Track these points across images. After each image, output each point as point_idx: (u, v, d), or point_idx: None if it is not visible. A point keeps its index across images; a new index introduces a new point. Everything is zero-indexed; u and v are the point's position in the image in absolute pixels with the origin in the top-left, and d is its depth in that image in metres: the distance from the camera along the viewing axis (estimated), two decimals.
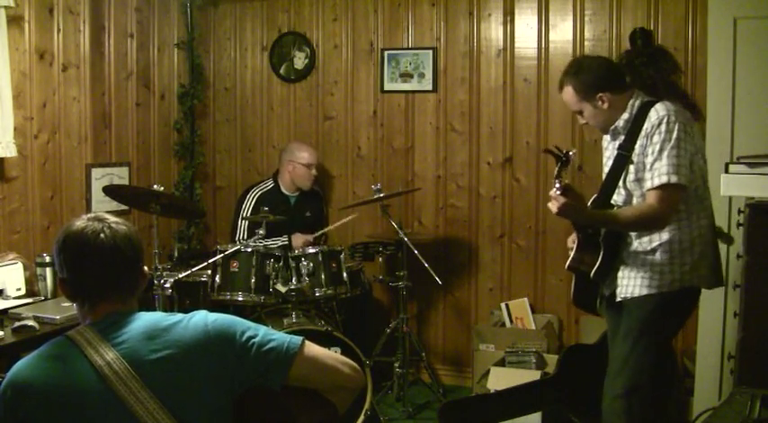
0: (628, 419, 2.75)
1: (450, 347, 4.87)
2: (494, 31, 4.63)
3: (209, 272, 3.99)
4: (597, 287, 2.93)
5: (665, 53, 3.02)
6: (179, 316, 1.68)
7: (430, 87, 4.77)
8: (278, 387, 1.66)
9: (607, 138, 2.95)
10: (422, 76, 4.79)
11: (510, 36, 4.59)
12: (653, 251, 2.74)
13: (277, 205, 4.42)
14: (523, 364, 4.14)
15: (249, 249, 3.92)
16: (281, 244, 4.43)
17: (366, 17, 4.89)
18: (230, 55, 5.25)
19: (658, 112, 2.69)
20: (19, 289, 3.62)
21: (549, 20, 4.49)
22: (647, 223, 2.71)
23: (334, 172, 5.05)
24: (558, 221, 3.73)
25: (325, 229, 4.62)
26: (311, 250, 4.08)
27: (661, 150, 2.64)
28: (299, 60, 5.07)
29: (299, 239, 4.51)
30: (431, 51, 4.75)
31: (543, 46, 4.50)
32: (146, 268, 1.75)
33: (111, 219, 1.70)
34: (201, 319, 1.67)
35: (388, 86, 4.87)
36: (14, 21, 3.91)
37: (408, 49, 4.81)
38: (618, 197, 2.84)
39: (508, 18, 4.59)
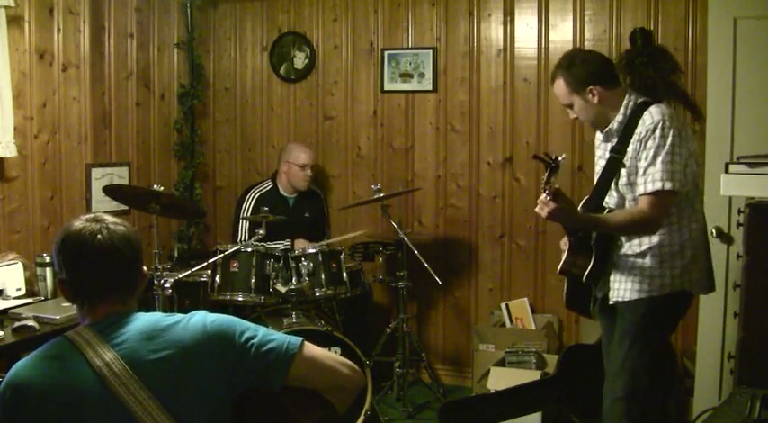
0: (628, 422, 2.75)
1: (450, 347, 4.86)
2: (494, 31, 4.63)
3: (209, 272, 3.99)
4: (590, 290, 2.93)
5: (665, 53, 3.03)
6: (178, 316, 1.68)
7: (430, 87, 4.77)
8: (277, 387, 1.65)
9: (599, 136, 2.93)
10: (422, 76, 4.79)
11: (510, 36, 4.59)
12: (643, 254, 2.73)
13: (276, 206, 4.42)
14: (523, 364, 4.14)
15: (249, 249, 3.92)
16: (283, 248, 4.43)
17: (366, 17, 4.89)
18: (230, 55, 5.25)
19: (653, 116, 2.67)
20: (19, 289, 3.62)
21: (549, 20, 4.49)
22: (639, 228, 2.71)
23: (334, 172, 5.05)
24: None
25: (329, 241, 4.59)
26: (311, 250, 4.08)
27: (655, 156, 2.63)
28: (299, 60, 5.07)
29: (301, 245, 4.49)
30: (431, 51, 4.75)
31: (543, 46, 4.50)
32: (145, 268, 1.75)
33: (110, 219, 1.70)
34: (201, 319, 1.67)
35: (388, 86, 4.87)
36: (14, 21, 3.91)
37: (408, 49, 4.81)
38: (610, 200, 2.83)
39: (508, 18, 4.58)
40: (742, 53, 3.45)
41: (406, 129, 4.87)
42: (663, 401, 2.82)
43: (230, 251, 3.91)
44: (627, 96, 2.79)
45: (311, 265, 3.99)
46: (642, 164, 2.66)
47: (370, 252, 4.55)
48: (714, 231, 3.47)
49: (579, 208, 2.82)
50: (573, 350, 3.73)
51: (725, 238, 3.47)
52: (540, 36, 4.52)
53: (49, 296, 3.63)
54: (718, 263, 3.42)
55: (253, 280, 3.90)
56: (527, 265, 4.65)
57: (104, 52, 4.59)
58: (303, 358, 1.67)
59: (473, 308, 4.80)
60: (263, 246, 4.00)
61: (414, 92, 4.82)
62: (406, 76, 4.83)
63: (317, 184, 4.96)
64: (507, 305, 4.57)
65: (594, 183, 2.91)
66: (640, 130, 2.68)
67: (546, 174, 2.54)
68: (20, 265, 3.66)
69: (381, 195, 4.22)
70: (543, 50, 4.50)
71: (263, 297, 3.92)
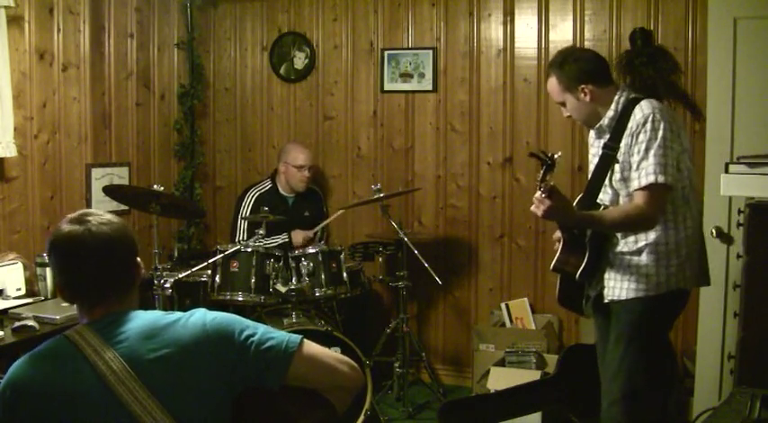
0: None
1: (450, 347, 4.87)
2: (494, 31, 4.63)
3: (209, 272, 3.99)
4: (583, 288, 2.90)
5: (664, 53, 3.02)
6: (177, 314, 1.67)
7: (430, 87, 4.77)
8: (277, 386, 1.65)
9: (593, 134, 2.93)
10: (422, 76, 4.79)
11: (510, 36, 4.59)
12: (639, 252, 2.71)
13: (275, 206, 4.42)
14: (523, 364, 4.14)
15: (249, 249, 3.92)
16: (281, 242, 4.44)
17: (366, 17, 4.89)
18: (230, 55, 5.26)
19: (643, 110, 2.66)
20: (19, 289, 3.62)
21: (549, 20, 4.49)
22: (635, 224, 2.68)
23: (335, 172, 5.05)
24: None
25: (323, 223, 4.61)
26: (311, 250, 4.08)
27: (647, 149, 2.61)
28: (299, 60, 5.07)
29: (298, 235, 4.50)
30: (431, 51, 4.75)
31: (543, 46, 4.50)
32: (139, 260, 1.72)
33: (96, 219, 1.66)
34: (200, 317, 1.67)
35: (388, 86, 4.87)
36: (14, 21, 3.91)
37: (408, 49, 4.81)
38: (604, 196, 2.81)
39: (508, 18, 4.59)
40: (742, 53, 3.45)
41: (406, 129, 4.87)
42: (662, 402, 2.81)
43: (230, 251, 3.91)
44: (618, 93, 2.78)
45: (311, 265, 3.99)
46: (635, 158, 2.65)
47: (370, 252, 4.55)
48: (714, 231, 3.46)
49: (573, 206, 2.81)
50: (573, 350, 3.73)
51: (725, 238, 3.47)
52: (540, 36, 4.52)
53: (49, 296, 3.64)
54: (718, 263, 3.43)
55: (253, 280, 3.90)
56: (527, 265, 4.65)
57: (104, 52, 4.59)
58: (302, 356, 1.66)
59: (473, 308, 4.80)
60: (261, 245, 4.00)
61: (414, 92, 4.82)
62: (406, 76, 4.83)
63: (317, 183, 4.96)
64: (507, 305, 4.57)
65: (588, 180, 2.89)
66: (632, 124, 2.67)
67: (541, 171, 2.52)
68: (20, 265, 3.66)
69: (381, 195, 4.22)
70: (543, 50, 4.50)
71: (263, 297, 3.92)
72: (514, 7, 4.56)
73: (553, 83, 2.82)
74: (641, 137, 2.63)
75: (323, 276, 4.01)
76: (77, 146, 4.41)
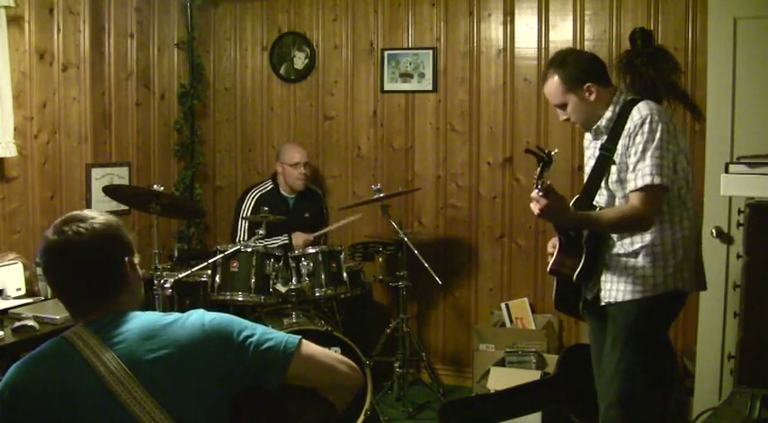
0: None
1: (450, 347, 4.87)
2: (494, 31, 4.63)
3: (209, 272, 3.99)
4: (579, 290, 2.88)
5: (665, 53, 3.01)
6: (176, 315, 1.67)
7: (430, 87, 4.77)
8: (276, 386, 1.65)
9: (588, 137, 2.92)
10: (422, 76, 4.79)
11: (510, 36, 4.59)
12: (635, 253, 2.71)
13: (276, 207, 4.42)
14: (523, 364, 4.14)
15: (249, 249, 3.92)
16: (281, 243, 4.44)
17: (366, 17, 4.89)
18: (230, 55, 5.26)
19: (641, 111, 2.66)
20: (19, 289, 3.62)
21: (549, 20, 4.49)
22: (631, 225, 2.67)
23: (335, 172, 5.05)
24: None
25: (325, 230, 4.62)
26: (311, 250, 4.08)
27: (644, 151, 2.61)
28: (299, 60, 5.07)
29: (299, 238, 4.51)
30: (431, 51, 4.75)
31: (543, 46, 4.50)
32: (130, 259, 1.70)
33: (75, 225, 1.64)
34: (198, 318, 1.66)
35: (388, 86, 4.87)
36: (14, 21, 3.91)
37: (408, 49, 4.81)
38: (600, 198, 2.80)
39: (508, 18, 4.59)
40: (742, 53, 3.45)
41: (406, 129, 4.87)
42: (662, 402, 2.81)
43: (230, 251, 3.91)
44: (617, 94, 2.78)
45: (311, 265, 3.99)
46: (632, 159, 2.64)
47: (370, 252, 4.55)
48: (714, 231, 3.46)
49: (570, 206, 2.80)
50: (573, 350, 3.72)
51: (725, 238, 3.47)
52: (540, 36, 4.52)
53: (49, 296, 3.64)
54: (718, 263, 3.43)
55: (253, 280, 3.90)
56: (527, 265, 4.65)
57: (104, 52, 4.59)
58: (301, 356, 1.66)
59: (473, 308, 4.80)
60: (263, 245, 4.00)
61: (414, 92, 4.82)
62: (406, 76, 4.83)
63: (317, 183, 4.97)
64: (507, 305, 4.57)
65: (584, 182, 2.88)
66: (629, 125, 2.66)
67: (538, 168, 2.50)
68: (20, 265, 3.66)
69: (381, 195, 4.21)
70: (543, 50, 4.50)
71: (263, 297, 3.92)
72: (514, 7, 4.56)
73: (554, 83, 2.77)
74: (638, 138, 2.63)
75: (323, 276, 4.01)
76: (77, 146, 4.41)
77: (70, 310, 1.70)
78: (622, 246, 2.74)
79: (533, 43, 4.54)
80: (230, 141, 5.30)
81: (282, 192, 4.72)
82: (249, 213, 4.57)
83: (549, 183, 2.51)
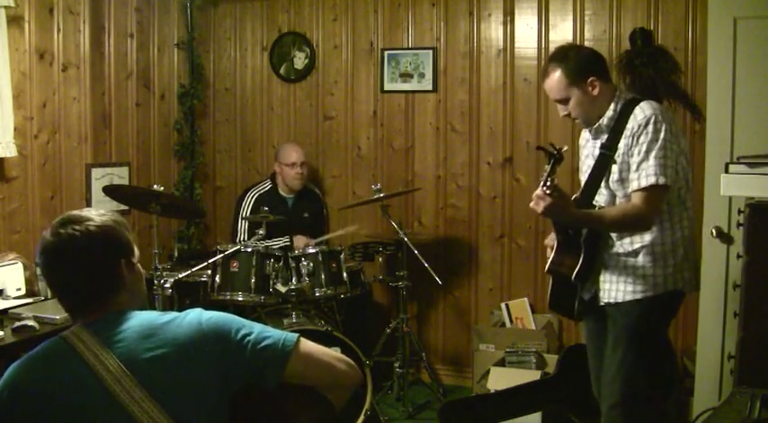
0: None
1: (450, 347, 4.86)
2: (494, 31, 4.63)
3: (209, 272, 3.99)
4: (575, 291, 2.86)
5: (665, 53, 3.01)
6: (173, 314, 1.67)
7: (430, 87, 4.77)
8: (274, 384, 1.65)
9: (585, 136, 2.90)
10: (422, 76, 4.79)
11: (510, 36, 4.59)
12: (635, 253, 2.70)
13: (275, 206, 4.42)
14: (523, 364, 4.14)
15: (249, 249, 3.92)
16: (282, 245, 4.44)
17: (366, 17, 4.89)
18: (230, 55, 5.25)
19: (644, 111, 2.65)
20: (19, 289, 3.62)
21: (549, 20, 4.49)
22: (633, 224, 2.67)
23: (335, 172, 5.04)
24: None
25: (326, 237, 4.61)
26: (311, 250, 4.08)
27: (648, 151, 2.60)
28: (299, 60, 5.07)
29: (300, 241, 4.50)
30: (431, 51, 4.75)
31: (543, 46, 4.50)
32: (127, 259, 1.69)
33: (70, 227, 1.63)
34: (196, 317, 1.66)
35: (388, 86, 4.87)
36: (14, 21, 3.91)
37: (408, 49, 4.81)
38: (600, 197, 2.79)
39: (508, 18, 4.58)
40: (742, 53, 3.44)
41: (406, 129, 4.87)
42: (663, 402, 2.81)
43: (230, 251, 3.91)
44: (617, 93, 2.77)
45: (311, 265, 3.99)
46: (635, 159, 2.64)
47: (370, 252, 4.55)
48: (714, 231, 3.46)
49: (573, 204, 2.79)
50: (573, 350, 3.73)
51: (725, 238, 3.46)
52: (540, 36, 4.52)
53: (49, 296, 3.63)
54: (718, 263, 3.43)
55: (253, 280, 3.90)
56: (527, 265, 4.65)
57: (104, 52, 4.59)
58: (299, 355, 1.66)
59: (473, 308, 4.80)
60: (263, 244, 4.01)
61: (414, 92, 4.82)
62: (406, 76, 4.83)
63: (316, 183, 4.97)
64: (507, 305, 4.57)
65: (583, 181, 2.87)
66: (632, 125, 2.66)
67: (548, 165, 2.49)
68: (20, 265, 3.66)
69: (381, 195, 4.21)
70: (543, 50, 4.49)
71: (263, 297, 3.92)
72: (514, 7, 4.56)
73: (557, 77, 2.73)
74: (642, 138, 2.62)
75: (323, 276, 4.01)
76: (77, 146, 4.41)
77: (69, 311, 1.70)
78: (622, 245, 2.73)
79: (533, 43, 4.54)
80: (230, 141, 5.30)
81: (281, 192, 4.72)
82: (248, 213, 4.57)
83: (555, 181, 2.50)
